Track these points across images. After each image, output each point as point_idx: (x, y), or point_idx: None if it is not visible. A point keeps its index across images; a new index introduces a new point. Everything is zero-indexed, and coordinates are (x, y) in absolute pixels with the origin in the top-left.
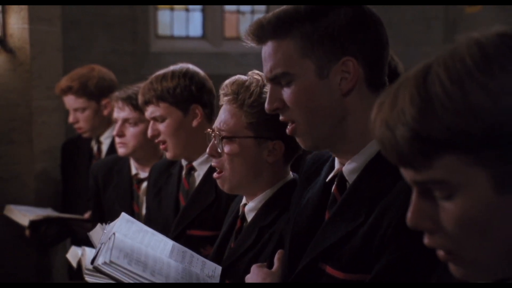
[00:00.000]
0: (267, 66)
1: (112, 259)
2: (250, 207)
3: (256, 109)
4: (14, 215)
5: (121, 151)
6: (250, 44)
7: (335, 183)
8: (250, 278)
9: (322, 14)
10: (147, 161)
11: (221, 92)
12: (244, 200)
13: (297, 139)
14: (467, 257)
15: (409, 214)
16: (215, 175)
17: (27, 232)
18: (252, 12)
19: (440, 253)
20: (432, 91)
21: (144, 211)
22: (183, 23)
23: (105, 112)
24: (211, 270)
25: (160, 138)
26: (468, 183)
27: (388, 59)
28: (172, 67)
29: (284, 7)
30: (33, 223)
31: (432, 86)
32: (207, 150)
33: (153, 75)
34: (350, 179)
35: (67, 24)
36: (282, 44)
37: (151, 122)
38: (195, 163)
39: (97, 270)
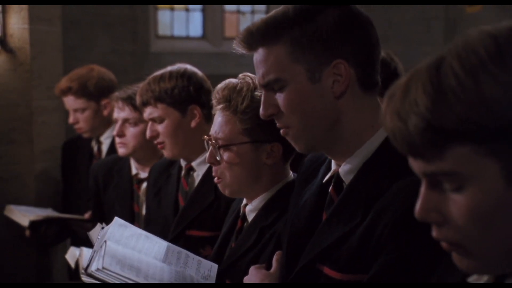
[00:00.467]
0: (259, 72)
1: (104, 265)
2: (251, 207)
3: (249, 114)
4: (14, 215)
5: (121, 151)
6: (241, 51)
7: (332, 184)
8: (248, 280)
9: (310, 17)
10: (147, 161)
11: (213, 99)
12: (244, 201)
13: (292, 143)
14: (474, 249)
15: (417, 206)
16: (216, 180)
17: (27, 232)
18: (252, 12)
19: (444, 244)
20: (445, 82)
21: (144, 211)
22: (183, 23)
23: (105, 112)
24: (207, 269)
25: (159, 139)
26: (479, 175)
27: (379, 58)
28: (169, 68)
29: (273, 11)
30: (33, 223)
31: (445, 77)
32: (206, 159)
33: (151, 76)
34: (347, 179)
35: (67, 24)
36: (272, 50)
37: (150, 123)
38: (194, 164)
39: (91, 276)
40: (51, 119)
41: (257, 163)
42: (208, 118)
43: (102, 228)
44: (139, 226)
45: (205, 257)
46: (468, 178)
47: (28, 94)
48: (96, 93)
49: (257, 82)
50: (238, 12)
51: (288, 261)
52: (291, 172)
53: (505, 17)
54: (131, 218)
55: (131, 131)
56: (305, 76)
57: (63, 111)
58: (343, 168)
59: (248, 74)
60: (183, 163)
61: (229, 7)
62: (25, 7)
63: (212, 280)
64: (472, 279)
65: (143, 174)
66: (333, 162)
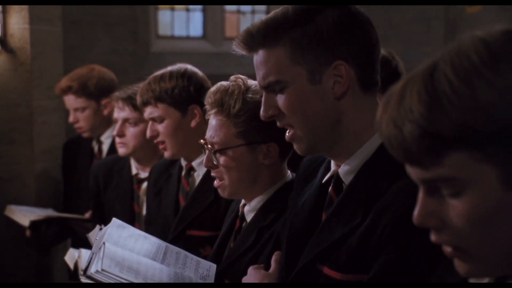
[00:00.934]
0: (259, 74)
1: (103, 267)
2: (249, 207)
3: (243, 117)
4: (15, 216)
5: (121, 151)
6: (241, 52)
7: (332, 184)
8: (247, 280)
9: (310, 18)
10: (148, 161)
11: (206, 104)
12: (243, 201)
13: (294, 145)
14: (474, 253)
15: (415, 213)
16: (215, 183)
17: (27, 232)
18: (253, 12)
19: (447, 249)
20: (439, 88)
21: (144, 211)
22: (184, 23)
23: (105, 112)
24: (206, 269)
25: (159, 138)
26: (476, 180)
27: (379, 58)
28: (170, 68)
29: (273, 12)
30: (33, 223)
31: (439, 83)
32: (204, 163)
33: (151, 76)
34: (346, 180)
35: (67, 24)
36: (272, 52)
37: (150, 123)
38: (194, 163)
39: (90, 278)
40: (51, 119)
41: (254, 164)
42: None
43: (101, 229)
44: (140, 226)
45: (205, 257)
46: (466, 183)
47: (28, 94)
48: (97, 92)
49: (248, 83)
50: (239, 12)
51: (288, 261)
52: (289, 172)
53: (505, 17)
54: (131, 218)
55: (131, 131)
56: (305, 77)
57: (63, 111)
58: (342, 169)
59: (240, 76)
60: (183, 163)
61: (229, 7)
62: (25, 7)
63: (211, 280)
64: (473, 279)
65: (143, 174)
66: (332, 162)
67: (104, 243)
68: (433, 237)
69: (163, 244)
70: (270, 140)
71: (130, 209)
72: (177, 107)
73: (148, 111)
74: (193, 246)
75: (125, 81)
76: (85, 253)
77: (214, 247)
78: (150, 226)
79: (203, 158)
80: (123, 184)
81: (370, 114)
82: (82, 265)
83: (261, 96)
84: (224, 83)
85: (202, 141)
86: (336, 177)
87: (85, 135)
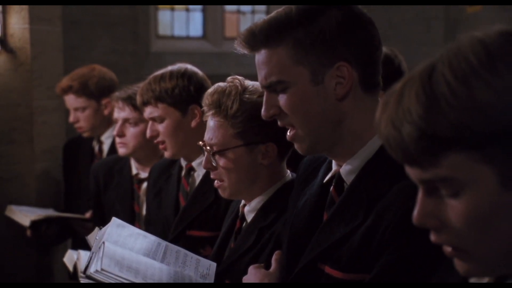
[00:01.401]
0: (261, 74)
1: (103, 267)
2: (249, 207)
3: (240, 118)
4: (15, 216)
5: (121, 151)
6: (243, 51)
7: (333, 184)
8: (247, 279)
9: (313, 18)
10: (148, 161)
11: (204, 106)
12: (243, 201)
13: (295, 145)
14: (473, 253)
15: (415, 213)
16: (215, 184)
17: (28, 232)
18: (253, 12)
19: (448, 249)
20: (437, 89)
21: (144, 211)
22: (184, 23)
23: (106, 112)
24: (206, 268)
25: (159, 138)
26: (475, 180)
27: (381, 59)
28: (170, 67)
29: (275, 12)
30: (34, 223)
31: (437, 84)
32: (203, 164)
33: (151, 76)
34: (348, 180)
35: (67, 24)
36: (275, 52)
37: (150, 123)
38: (194, 164)
39: (90, 278)
40: (51, 119)
41: (253, 164)
42: None
43: (99, 230)
44: (140, 226)
45: (205, 257)
46: (464, 183)
47: (28, 94)
48: (97, 92)
49: (245, 84)
50: (239, 12)
51: (289, 261)
52: (288, 172)
53: (505, 17)
54: (132, 218)
55: (131, 131)
56: (307, 78)
57: (64, 111)
58: (344, 169)
59: (237, 76)
60: (183, 163)
61: (229, 7)
62: (25, 7)
63: (211, 278)
64: (473, 279)
65: (144, 174)
66: (333, 162)
67: (103, 242)
68: (432, 237)
69: (163, 243)
70: (268, 140)
71: (130, 209)
72: (177, 107)
73: (148, 111)
74: (193, 247)
75: (125, 81)
76: (84, 254)
77: (214, 248)
78: (150, 226)
79: (203, 158)
80: (123, 184)
81: (371, 115)
82: (81, 266)
83: (258, 97)
84: (221, 84)
85: (200, 142)
86: (337, 177)
87: (85, 135)
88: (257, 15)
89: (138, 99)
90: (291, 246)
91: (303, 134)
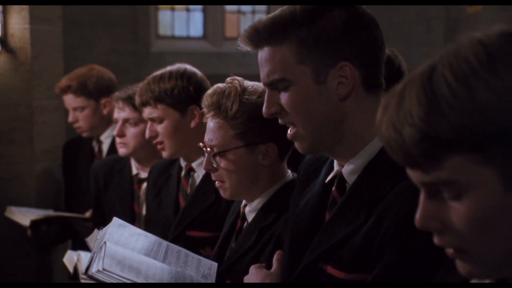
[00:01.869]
0: (264, 71)
1: (105, 266)
2: (250, 207)
3: (240, 118)
4: (15, 216)
5: (121, 151)
6: (246, 48)
7: (335, 184)
8: (248, 279)
9: (317, 18)
10: (148, 161)
11: (203, 107)
12: (244, 201)
13: (296, 144)
14: (476, 255)
15: (417, 216)
16: (216, 184)
17: (28, 232)
18: (253, 12)
19: (449, 250)
20: (438, 91)
21: (144, 211)
22: (184, 23)
23: (105, 111)
24: (207, 268)
25: (158, 139)
26: (476, 182)
27: (384, 59)
28: (169, 68)
29: (279, 10)
30: (34, 223)
31: (438, 86)
32: (203, 166)
33: (150, 76)
34: (350, 180)
35: (67, 24)
36: (278, 50)
37: (149, 123)
38: (194, 164)
39: (91, 278)
40: (51, 119)
41: (254, 165)
42: None
43: (100, 230)
44: (140, 226)
45: (206, 258)
46: (466, 186)
47: (28, 94)
48: (96, 92)
49: (244, 85)
50: (239, 12)
51: (291, 260)
52: (289, 172)
53: (506, 17)
54: (132, 218)
55: (131, 131)
56: (310, 77)
57: (64, 111)
58: (346, 169)
59: (236, 77)
60: (183, 163)
61: (229, 7)
62: (25, 7)
63: (212, 278)
64: (475, 280)
65: (144, 174)
66: (335, 162)
67: (105, 242)
68: (436, 240)
69: (164, 243)
70: (268, 140)
71: (130, 209)
72: (177, 108)
73: (148, 112)
74: (193, 247)
75: (125, 81)
76: (84, 256)
77: (215, 248)
78: (149, 227)
79: (203, 159)
80: (124, 184)
81: (373, 115)
82: (82, 267)
83: (258, 97)
84: (220, 85)
85: (201, 144)
86: (339, 177)
87: (85, 134)
88: (258, 15)
89: (137, 100)
90: (293, 246)
91: (304, 133)
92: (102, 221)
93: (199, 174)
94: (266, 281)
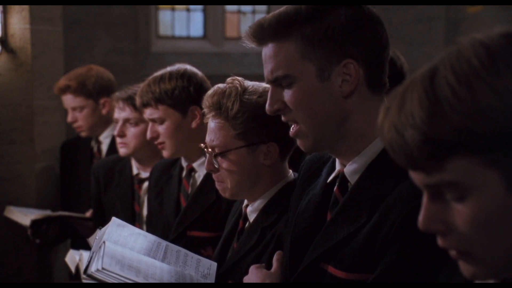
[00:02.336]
0: (267, 68)
1: (104, 266)
2: (252, 208)
3: (241, 118)
4: (15, 216)
5: (122, 151)
6: (250, 45)
7: (337, 184)
8: (248, 279)
9: (322, 15)
10: (148, 161)
11: (204, 108)
12: (246, 201)
13: (298, 141)
14: (479, 257)
15: (420, 218)
16: (217, 185)
17: (29, 232)
18: (253, 12)
19: (453, 252)
20: (440, 93)
21: (145, 211)
22: (184, 23)
23: (104, 111)
24: (207, 268)
25: (160, 139)
26: (480, 184)
27: (388, 59)
28: (169, 68)
29: (284, 7)
30: (34, 222)
31: (440, 88)
32: (205, 167)
33: (150, 77)
34: (352, 180)
35: (68, 24)
36: (283, 46)
37: (150, 124)
38: (195, 165)
39: (91, 277)
40: (52, 119)
41: (255, 165)
42: None
43: (99, 230)
44: (140, 226)
45: (206, 258)
46: (469, 187)
47: (29, 94)
48: (95, 91)
49: (245, 85)
50: (239, 12)
51: (292, 260)
52: (290, 171)
53: (506, 17)
54: (132, 218)
55: (132, 131)
56: (314, 74)
57: (64, 111)
58: (348, 168)
59: (236, 77)
60: (184, 163)
61: (230, 7)
62: (26, 7)
63: (212, 278)
64: (478, 280)
65: (144, 174)
66: (337, 161)
67: (104, 241)
68: (439, 242)
69: (163, 243)
70: (269, 140)
71: (131, 209)
72: (177, 108)
73: (148, 112)
74: (194, 247)
75: (126, 81)
76: (86, 255)
77: (217, 248)
78: (150, 227)
79: (204, 159)
80: (124, 184)
81: (376, 114)
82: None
83: (259, 97)
84: (220, 85)
85: (202, 145)
86: (341, 176)
87: (84, 134)
88: (258, 15)
89: (138, 101)
90: (295, 245)
91: (307, 130)
92: (102, 221)
93: (200, 174)
94: (266, 281)
